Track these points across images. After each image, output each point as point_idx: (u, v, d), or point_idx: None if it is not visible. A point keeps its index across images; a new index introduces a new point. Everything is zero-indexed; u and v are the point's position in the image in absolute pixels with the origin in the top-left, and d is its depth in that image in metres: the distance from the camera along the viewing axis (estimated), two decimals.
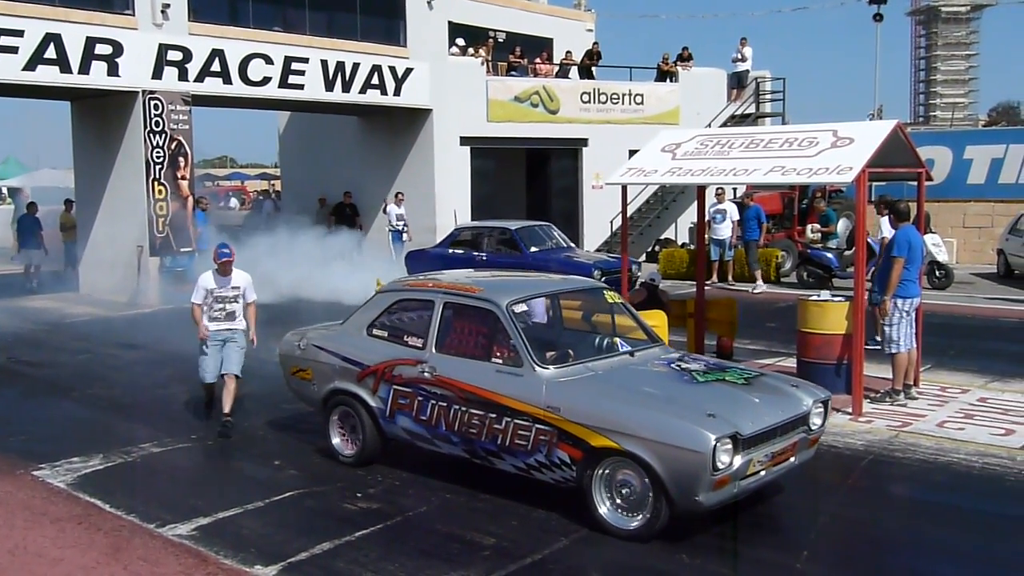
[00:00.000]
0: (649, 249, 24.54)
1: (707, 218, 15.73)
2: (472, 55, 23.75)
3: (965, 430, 8.46)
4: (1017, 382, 10.35)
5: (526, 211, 25.03)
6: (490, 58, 24.09)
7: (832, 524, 6.54)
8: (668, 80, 25.88)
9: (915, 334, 9.38)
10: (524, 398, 6.42)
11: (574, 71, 25.69)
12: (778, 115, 26.43)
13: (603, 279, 13.55)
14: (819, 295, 10.01)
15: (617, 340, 7.41)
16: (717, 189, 19.50)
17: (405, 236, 21.26)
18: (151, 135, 17.88)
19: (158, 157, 18.02)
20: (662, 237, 25.03)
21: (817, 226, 19.23)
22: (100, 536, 6.36)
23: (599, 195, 23.83)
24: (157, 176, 18.02)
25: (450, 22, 23.50)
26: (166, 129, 18.07)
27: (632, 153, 10.81)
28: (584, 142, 24.49)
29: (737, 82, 26.52)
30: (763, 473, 6.09)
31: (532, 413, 6.35)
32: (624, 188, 10.44)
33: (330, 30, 21.09)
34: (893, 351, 9.31)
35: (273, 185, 47.21)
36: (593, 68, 25.94)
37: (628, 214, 12.02)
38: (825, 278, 17.67)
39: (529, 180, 26.01)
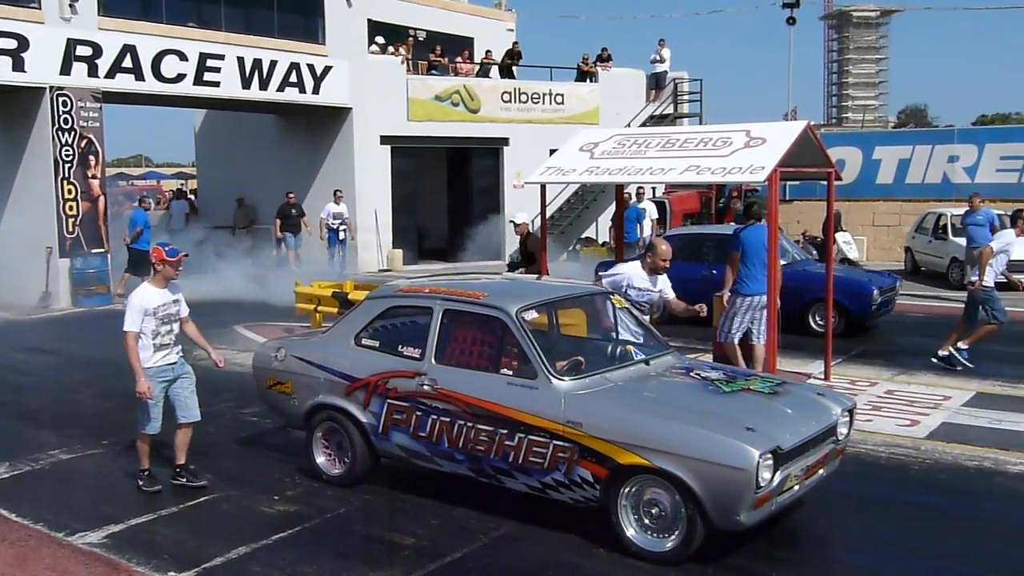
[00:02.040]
0: (570, 248, 24.72)
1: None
2: (392, 54, 23.63)
3: (873, 421, 8.71)
4: (923, 374, 10.71)
5: (447, 210, 25.01)
6: (410, 57, 23.99)
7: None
8: (588, 80, 26.11)
9: (762, 330, 9.38)
10: (540, 412, 5.95)
11: (495, 71, 25.73)
12: (696, 115, 26.87)
13: (881, 298, 13.17)
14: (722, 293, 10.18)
15: (631, 348, 7.01)
16: (637, 188, 19.73)
17: (342, 235, 21.07)
18: (60, 132, 17.40)
19: (67, 155, 17.54)
20: (583, 236, 25.24)
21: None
22: (5, 547, 6.17)
23: (521, 194, 23.91)
24: (66, 175, 17.54)
25: (369, 20, 23.35)
26: (75, 126, 17.60)
27: (553, 152, 10.87)
28: (505, 141, 24.55)
29: (656, 83, 26.87)
30: (797, 488, 5.76)
31: (549, 428, 5.89)
32: (543, 187, 10.49)
33: (247, 26, 20.79)
34: (720, 339, 9.64)
35: (185, 184, 46.32)
36: (514, 68, 26.03)
37: (550, 213, 12.13)
38: None
39: (450, 179, 25.99)
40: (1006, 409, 9.15)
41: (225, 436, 8.44)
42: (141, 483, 7.13)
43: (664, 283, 8.18)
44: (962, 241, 16.80)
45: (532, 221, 12.26)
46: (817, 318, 13.02)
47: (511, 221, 12.17)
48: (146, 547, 6.10)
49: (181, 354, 7.16)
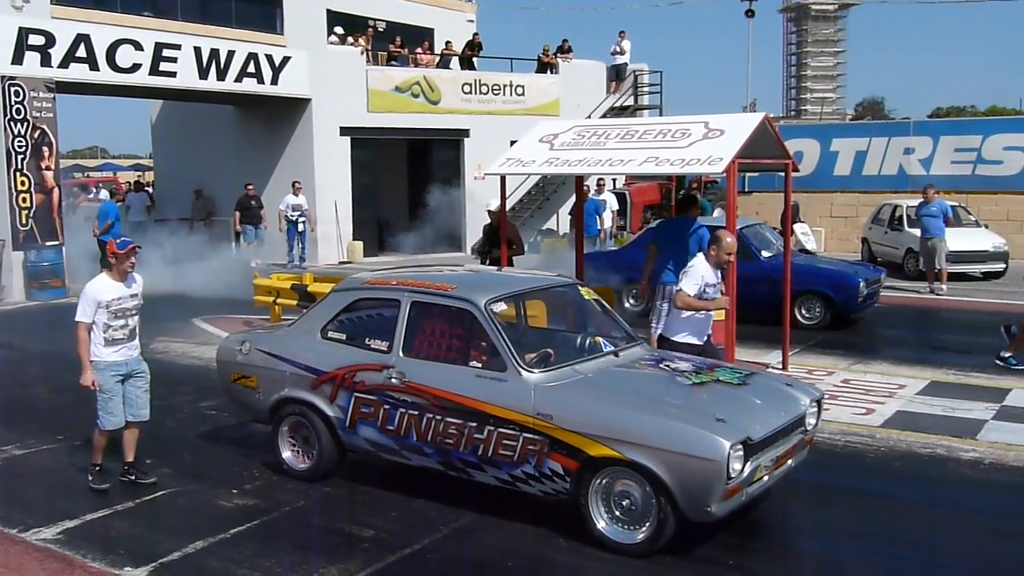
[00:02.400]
0: (531, 240, 24.72)
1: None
2: (352, 44, 23.47)
3: (830, 410, 8.78)
4: (878, 364, 10.86)
5: (408, 202, 24.94)
6: (370, 48, 23.85)
7: None
8: (548, 72, 26.11)
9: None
10: (510, 405, 5.91)
11: (455, 62, 25.66)
12: (656, 107, 26.99)
13: (867, 290, 13.16)
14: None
15: (600, 340, 6.95)
16: (598, 180, 19.79)
17: (301, 227, 20.94)
18: (12, 123, 17.10)
19: (20, 146, 17.24)
20: (544, 228, 25.26)
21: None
22: None
23: (481, 186, 23.85)
24: (19, 166, 17.24)
25: (328, 10, 23.21)
26: (28, 117, 17.30)
27: (514, 144, 10.86)
28: (466, 133, 24.50)
29: (616, 74, 26.94)
30: (766, 478, 5.79)
31: (519, 421, 5.86)
32: (503, 179, 10.49)
33: (203, 16, 20.57)
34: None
35: (143, 176, 45.77)
36: (474, 59, 25.97)
37: (511, 205, 12.09)
38: None
39: (411, 171, 25.90)
40: (959, 397, 9.30)
41: (183, 430, 8.36)
42: (90, 479, 6.97)
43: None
44: (917, 232, 17.03)
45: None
46: (803, 310, 13.11)
47: (488, 210, 12.25)
48: (101, 542, 6.03)
49: (138, 351, 7.00)
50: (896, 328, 13.80)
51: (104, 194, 43.39)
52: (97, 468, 7.01)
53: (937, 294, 16.25)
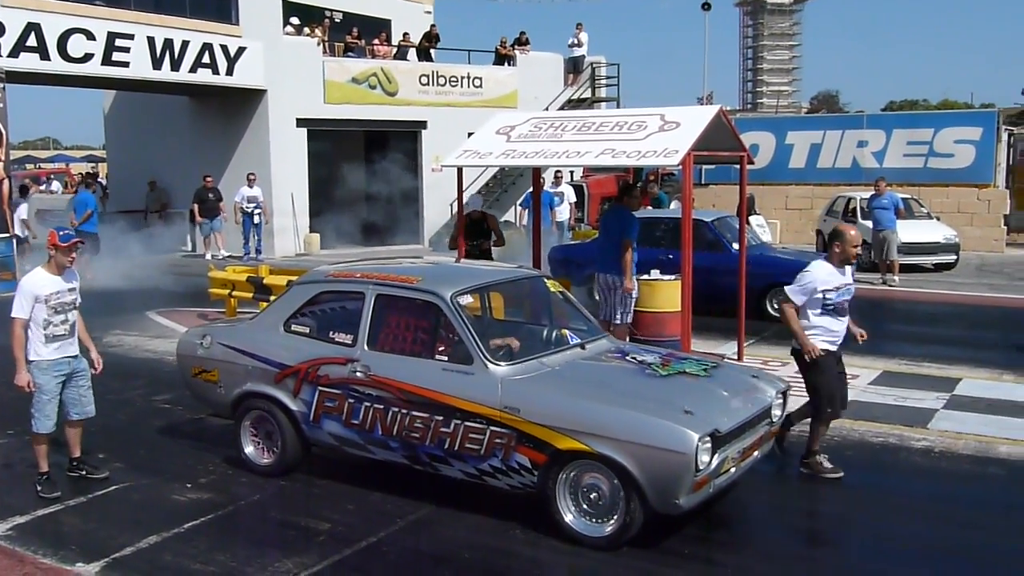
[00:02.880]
0: None
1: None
2: (308, 35, 23.28)
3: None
4: None
5: (365, 194, 24.79)
6: (326, 38, 23.68)
7: None
8: (506, 64, 26.09)
9: (618, 311, 10.00)
10: (476, 398, 5.87)
11: (412, 53, 25.56)
12: (613, 100, 27.06)
13: None
14: (649, 274, 10.34)
15: (566, 332, 6.93)
16: (556, 172, 19.81)
17: (257, 219, 20.75)
18: None
19: None
20: (502, 220, 25.21)
21: (650, 208, 19.79)
22: None
23: (439, 178, 23.79)
24: None
25: (284, 1, 22.97)
26: None
27: (471, 136, 10.83)
28: (423, 125, 24.40)
29: (573, 67, 26.97)
30: (733, 470, 5.78)
31: (486, 414, 5.82)
32: (460, 171, 10.46)
33: (157, 5, 20.30)
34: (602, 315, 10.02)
35: (96, 167, 45.11)
36: (431, 51, 25.87)
37: (468, 197, 11.94)
38: None
39: (368, 163, 25.74)
40: (911, 387, 9.46)
41: (136, 424, 8.25)
42: (39, 488, 6.67)
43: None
44: (870, 224, 17.27)
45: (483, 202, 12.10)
46: (774, 303, 12.65)
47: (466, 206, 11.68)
48: (53, 538, 5.95)
49: (77, 348, 6.76)
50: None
51: (55, 185, 42.64)
52: (45, 476, 6.73)
53: (890, 285, 16.49)
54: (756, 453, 6.13)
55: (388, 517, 6.18)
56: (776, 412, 6.30)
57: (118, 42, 19.16)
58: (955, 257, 18.60)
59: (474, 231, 11.48)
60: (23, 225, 18.65)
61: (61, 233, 6.60)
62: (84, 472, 6.98)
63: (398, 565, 5.53)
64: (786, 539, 6.13)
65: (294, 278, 11.19)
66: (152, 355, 11.33)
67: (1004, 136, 23.39)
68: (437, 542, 5.86)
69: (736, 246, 13.28)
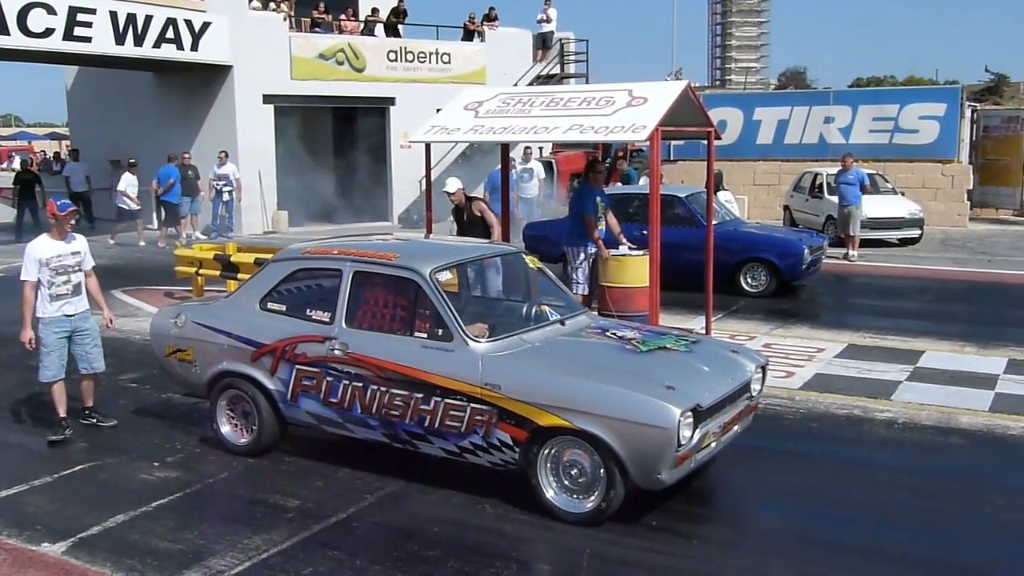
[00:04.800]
0: None
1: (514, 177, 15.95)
2: (274, 10, 22.99)
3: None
4: (798, 328, 11.12)
5: (333, 171, 24.64)
6: (292, 14, 23.37)
7: None
8: (475, 40, 25.94)
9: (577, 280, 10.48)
10: (456, 375, 5.84)
11: (380, 29, 25.32)
12: (582, 76, 27.01)
13: (811, 257, 13.20)
14: (617, 250, 10.37)
15: (546, 308, 6.89)
16: (525, 148, 19.77)
17: (227, 196, 20.55)
18: None
19: None
20: (471, 196, 25.14)
21: (620, 184, 19.82)
22: None
23: (407, 154, 23.64)
24: None
25: None
26: None
27: (439, 112, 10.77)
28: (391, 101, 24.21)
29: (542, 43, 26.88)
30: (714, 445, 5.82)
31: (467, 392, 5.80)
32: (428, 146, 10.41)
33: None
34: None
35: (61, 145, 44.51)
36: (399, 26, 25.65)
37: (437, 174, 11.97)
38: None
39: (336, 140, 25.58)
40: (875, 359, 9.57)
41: (102, 403, 8.15)
42: (52, 435, 7.35)
43: None
44: (836, 199, 17.40)
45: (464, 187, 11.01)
46: (748, 278, 13.24)
47: (444, 191, 10.94)
48: (18, 518, 5.90)
49: (87, 308, 7.42)
50: (816, 293, 14.11)
51: (16, 163, 42.00)
52: (60, 421, 7.38)
53: (849, 260, 16.66)
54: (736, 427, 6.18)
55: (357, 493, 6.18)
56: (755, 387, 6.35)
57: (80, 16, 18.83)
58: (919, 232, 18.81)
59: (466, 226, 10.77)
60: None
61: (59, 203, 7.28)
62: (95, 420, 7.64)
63: (367, 540, 5.54)
64: (762, 512, 6.20)
65: (262, 256, 11.15)
66: (118, 334, 11.20)
67: (968, 112, 23.63)
68: (406, 517, 5.87)
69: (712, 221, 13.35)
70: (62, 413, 7.35)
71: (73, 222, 7.30)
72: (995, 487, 6.35)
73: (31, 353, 7.45)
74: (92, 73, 24.70)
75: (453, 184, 10.91)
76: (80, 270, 7.34)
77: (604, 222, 10.55)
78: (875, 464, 6.86)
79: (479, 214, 10.75)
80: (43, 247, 7.19)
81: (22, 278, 7.16)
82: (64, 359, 7.33)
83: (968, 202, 22.42)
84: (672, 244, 13.04)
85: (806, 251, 13.17)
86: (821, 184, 19.53)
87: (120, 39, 19.62)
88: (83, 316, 7.38)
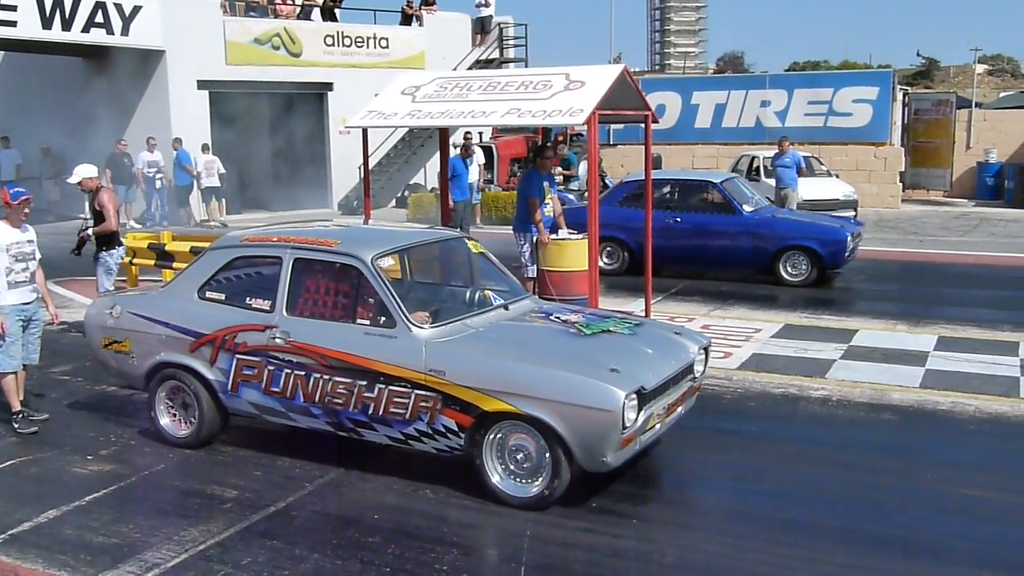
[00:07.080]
0: (399, 195, 24.52)
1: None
2: None
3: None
4: (736, 309, 11.25)
5: (271, 158, 24.33)
6: None
7: None
8: (413, 24, 25.74)
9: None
10: (400, 362, 5.80)
11: (316, 13, 24.99)
12: (521, 60, 26.99)
13: (852, 244, 12.76)
14: (556, 234, 10.40)
15: (489, 293, 6.87)
16: (465, 133, 19.71)
17: (159, 184, 20.19)
18: None
19: None
20: (411, 182, 25.06)
21: (559, 169, 19.87)
22: None
23: (346, 140, 23.43)
24: None
25: None
26: None
27: (376, 97, 10.66)
28: (329, 86, 23.96)
29: (481, 27, 26.77)
30: (658, 426, 5.88)
31: (410, 378, 5.77)
32: (365, 132, 10.32)
33: None
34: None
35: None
36: (336, 10, 25.33)
37: (377, 160, 11.83)
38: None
39: (273, 126, 25.21)
40: (811, 339, 9.73)
41: (33, 396, 7.99)
42: (16, 426, 7.26)
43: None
44: (773, 182, 17.62)
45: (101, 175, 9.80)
46: (788, 267, 12.82)
47: (76, 183, 9.88)
48: None
49: (38, 296, 7.34)
50: (754, 275, 14.27)
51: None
52: (20, 415, 7.30)
53: None
54: (680, 409, 6.23)
55: (295, 482, 6.13)
56: (699, 368, 6.41)
57: None
58: (854, 213, 19.11)
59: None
60: None
61: (12, 191, 7.21)
62: (25, 414, 7.38)
63: (306, 529, 5.49)
64: (701, 491, 6.29)
65: (197, 244, 10.96)
66: (49, 326, 10.95)
67: (899, 95, 24.06)
68: (346, 505, 5.83)
69: (748, 208, 13.21)
70: (19, 406, 7.33)
71: (27, 211, 7.22)
72: (927, 461, 6.49)
73: None
74: (20, 59, 24.06)
75: (87, 170, 9.95)
76: (35, 258, 7.31)
77: (550, 207, 10.60)
78: (811, 441, 6.99)
79: (99, 208, 9.92)
80: (5, 232, 7.12)
81: None
82: (21, 348, 7.27)
83: (900, 184, 22.88)
84: (707, 232, 13.07)
85: (848, 238, 12.66)
86: (758, 167, 19.77)
87: (47, 23, 19.13)
88: (36, 305, 7.35)
